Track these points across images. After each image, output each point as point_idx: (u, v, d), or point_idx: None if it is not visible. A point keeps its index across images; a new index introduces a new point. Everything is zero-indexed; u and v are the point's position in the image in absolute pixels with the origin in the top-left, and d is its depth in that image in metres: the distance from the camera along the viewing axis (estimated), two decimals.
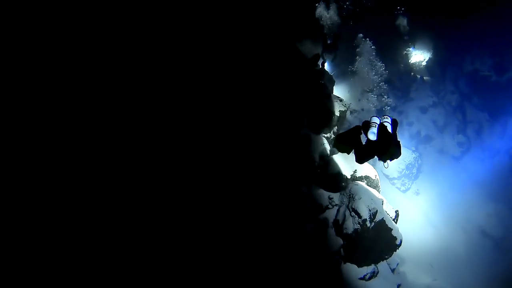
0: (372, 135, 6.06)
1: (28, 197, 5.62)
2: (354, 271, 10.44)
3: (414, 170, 18.61)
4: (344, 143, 6.50)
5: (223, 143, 9.79)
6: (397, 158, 6.42)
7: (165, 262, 7.56)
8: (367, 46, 22.25)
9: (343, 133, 6.56)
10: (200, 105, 9.80)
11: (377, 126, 6.20)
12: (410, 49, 26.19)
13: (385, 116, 6.59)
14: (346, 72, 22.39)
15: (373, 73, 22.51)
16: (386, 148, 6.06)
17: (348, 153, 6.75)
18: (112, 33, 7.46)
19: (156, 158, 8.28)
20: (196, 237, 8.42)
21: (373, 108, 20.48)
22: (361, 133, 6.36)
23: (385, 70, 22.52)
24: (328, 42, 21.06)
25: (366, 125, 6.44)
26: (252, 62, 11.79)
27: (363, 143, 6.38)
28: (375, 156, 6.36)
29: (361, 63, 22.38)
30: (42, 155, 5.94)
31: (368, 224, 10.22)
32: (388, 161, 6.65)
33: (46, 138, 6.03)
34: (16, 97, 5.72)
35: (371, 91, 21.73)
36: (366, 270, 10.68)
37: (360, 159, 6.44)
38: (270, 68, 12.14)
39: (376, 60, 22.24)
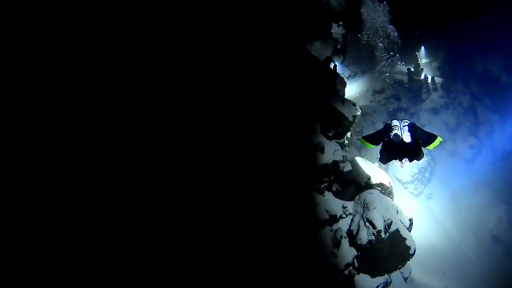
0: (407, 136, 6.35)
1: (28, 197, 5.31)
2: (367, 282, 9.96)
3: (427, 174, 17.93)
4: (370, 141, 6.89)
5: (233, 149, 9.38)
6: (420, 160, 6.96)
7: (166, 263, 7.22)
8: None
9: (369, 135, 6.94)
10: (208, 109, 9.40)
11: (407, 128, 6.52)
12: (422, 48, 25.40)
13: (404, 120, 6.83)
14: (357, 72, 21.81)
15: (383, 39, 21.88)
16: (420, 149, 6.53)
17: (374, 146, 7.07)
18: (112, 33, 7.08)
19: (160, 161, 7.93)
20: (203, 244, 8.08)
21: (385, 111, 19.81)
22: (389, 135, 6.59)
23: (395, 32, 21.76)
24: (338, 46, 20.50)
25: (388, 128, 6.78)
26: (262, 65, 11.31)
27: (391, 144, 6.69)
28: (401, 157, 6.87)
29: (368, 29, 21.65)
30: (42, 155, 5.67)
31: (382, 235, 9.68)
32: (407, 161, 7.03)
33: (46, 138, 5.75)
34: (16, 97, 5.43)
35: (383, 91, 21.11)
36: (379, 280, 10.18)
37: (387, 160, 6.93)
38: (282, 72, 11.65)
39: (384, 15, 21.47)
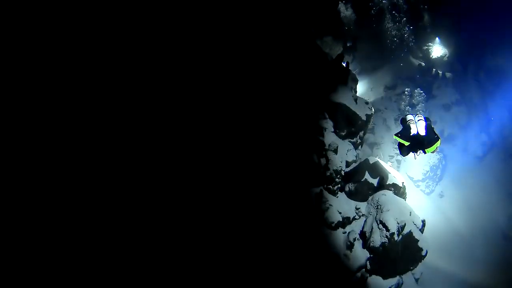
0: (422, 130, 6.66)
1: (28, 197, 5.24)
2: (379, 283, 9.69)
3: (438, 172, 17.42)
4: (403, 139, 6.96)
5: (246, 149, 9.15)
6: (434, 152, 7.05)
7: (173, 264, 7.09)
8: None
9: (400, 133, 7.10)
10: (222, 108, 9.16)
11: (423, 122, 6.80)
12: (437, 39, 24.68)
13: (418, 114, 7.07)
14: (368, 69, 21.25)
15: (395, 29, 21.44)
16: (435, 141, 6.66)
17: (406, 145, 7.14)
18: (112, 33, 6.85)
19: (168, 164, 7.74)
20: (218, 248, 7.92)
21: (396, 107, 19.32)
22: (409, 129, 6.85)
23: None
24: (348, 44, 19.98)
25: (404, 122, 7.02)
26: (274, 63, 11.00)
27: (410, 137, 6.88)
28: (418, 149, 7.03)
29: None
30: (42, 155, 5.50)
31: (395, 237, 9.40)
32: (422, 153, 7.10)
33: (46, 138, 5.58)
34: (16, 97, 5.24)
35: (394, 87, 20.59)
36: (391, 282, 9.91)
37: (407, 152, 7.10)
38: (294, 70, 11.31)
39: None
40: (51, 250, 5.42)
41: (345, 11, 20.41)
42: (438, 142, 6.74)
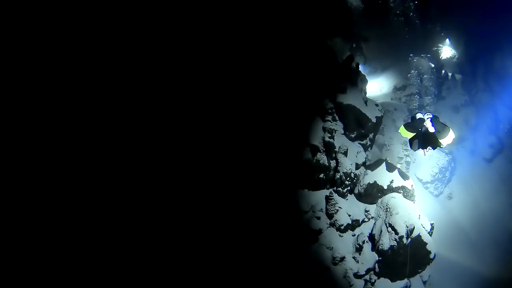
0: (431, 127, 6.77)
1: (28, 197, 5.27)
2: (388, 286, 9.56)
3: (447, 174, 17.14)
4: (410, 130, 7.19)
5: (253, 152, 9.08)
6: (442, 147, 7.25)
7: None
8: None
9: (409, 123, 7.34)
10: (228, 108, 9.09)
11: (431, 120, 6.91)
12: (447, 40, 24.29)
13: (427, 113, 7.18)
14: (378, 69, 21.01)
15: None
16: (447, 131, 6.79)
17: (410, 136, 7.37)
18: (113, 34, 6.82)
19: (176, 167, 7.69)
20: (233, 255, 7.90)
21: (406, 108, 19.06)
22: (421, 126, 6.98)
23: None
24: (354, 45, 19.79)
25: (414, 120, 7.17)
26: (284, 63, 10.87)
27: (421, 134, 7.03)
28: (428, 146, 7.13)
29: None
30: (43, 155, 5.50)
31: (404, 240, 9.25)
32: (431, 149, 7.19)
33: (46, 138, 5.61)
34: (16, 97, 5.27)
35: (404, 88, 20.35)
36: (399, 284, 9.77)
37: (417, 148, 7.18)
38: (302, 71, 11.16)
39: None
40: (51, 250, 5.40)
41: (353, 2, 20.30)
42: (449, 130, 6.86)
